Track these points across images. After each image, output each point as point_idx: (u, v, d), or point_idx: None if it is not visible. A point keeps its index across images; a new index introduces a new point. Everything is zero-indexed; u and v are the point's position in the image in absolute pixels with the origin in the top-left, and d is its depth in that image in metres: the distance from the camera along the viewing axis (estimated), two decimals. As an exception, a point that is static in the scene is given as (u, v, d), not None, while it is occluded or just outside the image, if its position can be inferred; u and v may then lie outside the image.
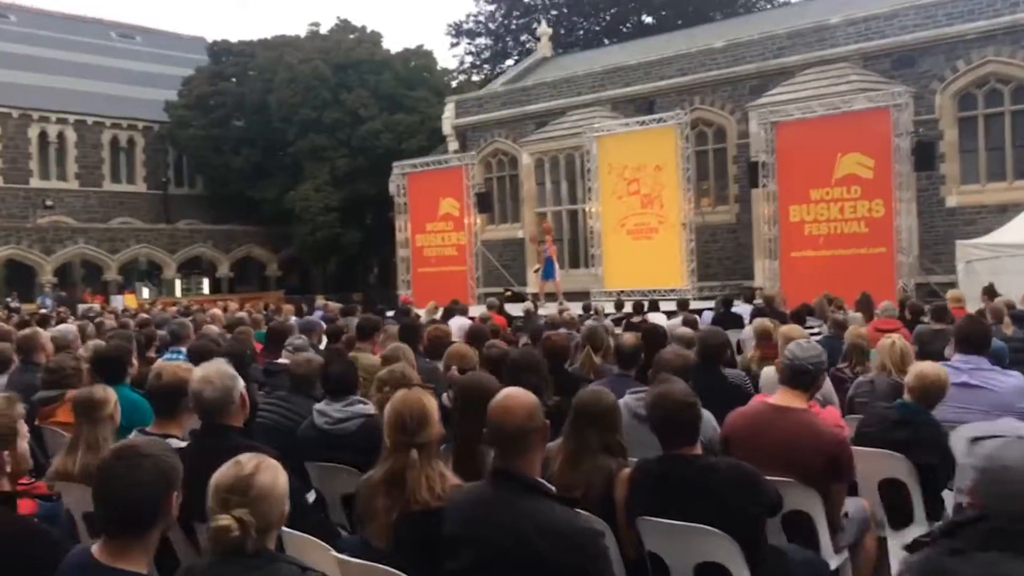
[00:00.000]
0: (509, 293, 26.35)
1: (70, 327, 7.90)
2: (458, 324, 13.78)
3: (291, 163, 36.11)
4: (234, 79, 39.40)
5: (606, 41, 45.62)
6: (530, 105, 28.18)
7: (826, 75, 21.55)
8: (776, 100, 21.65)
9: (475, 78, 47.32)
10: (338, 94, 34.13)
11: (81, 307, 25.94)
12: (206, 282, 42.56)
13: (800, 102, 19.96)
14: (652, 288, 21.58)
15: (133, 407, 4.59)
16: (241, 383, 3.58)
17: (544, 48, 33.82)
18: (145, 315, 14.40)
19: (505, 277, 26.75)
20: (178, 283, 40.08)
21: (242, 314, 13.86)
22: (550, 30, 34.97)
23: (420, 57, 37.19)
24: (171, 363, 4.24)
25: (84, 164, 38.42)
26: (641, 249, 22.35)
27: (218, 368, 3.56)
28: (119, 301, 30.37)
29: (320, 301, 18.87)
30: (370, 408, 4.48)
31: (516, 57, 50.25)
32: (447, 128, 30.25)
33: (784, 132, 19.12)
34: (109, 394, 3.97)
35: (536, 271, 22.60)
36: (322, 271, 41.94)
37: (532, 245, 22.24)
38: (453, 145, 30.05)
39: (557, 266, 21.93)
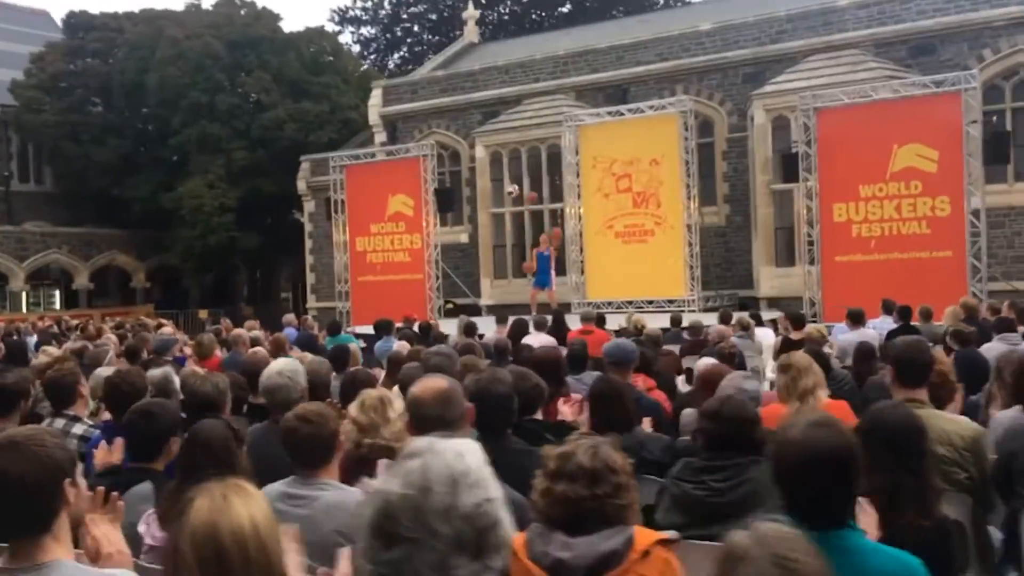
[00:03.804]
0: (451, 305, 23.05)
1: (292, 362, 4.11)
2: (539, 343, 10.72)
3: (171, 155, 31.03)
4: (91, 58, 33.68)
5: (501, 34, 42.91)
6: (476, 92, 24.84)
7: (839, 62, 19.50)
8: (784, 88, 19.44)
9: (363, 68, 43.28)
10: (234, 76, 29.49)
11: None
12: (58, 295, 36.50)
13: (813, 91, 17.60)
14: (648, 299, 18.88)
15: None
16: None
17: (471, 33, 30.49)
18: (121, 332, 10.14)
19: (459, 287, 23.26)
20: (24, 296, 33.93)
21: (241, 331, 9.95)
22: (477, 13, 31.68)
23: (324, 39, 32.94)
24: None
25: (-95, 153, 31.80)
26: (633, 254, 19.60)
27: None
28: (-33, 318, 24.66)
29: (289, 316, 14.86)
30: None
31: (405, 49, 46.73)
32: (374, 117, 26.43)
33: (825, 121, 16.77)
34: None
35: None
36: (199, 283, 36.72)
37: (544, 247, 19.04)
38: (380, 136, 26.29)
39: (554, 273, 18.85)
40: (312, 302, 28.51)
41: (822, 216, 16.74)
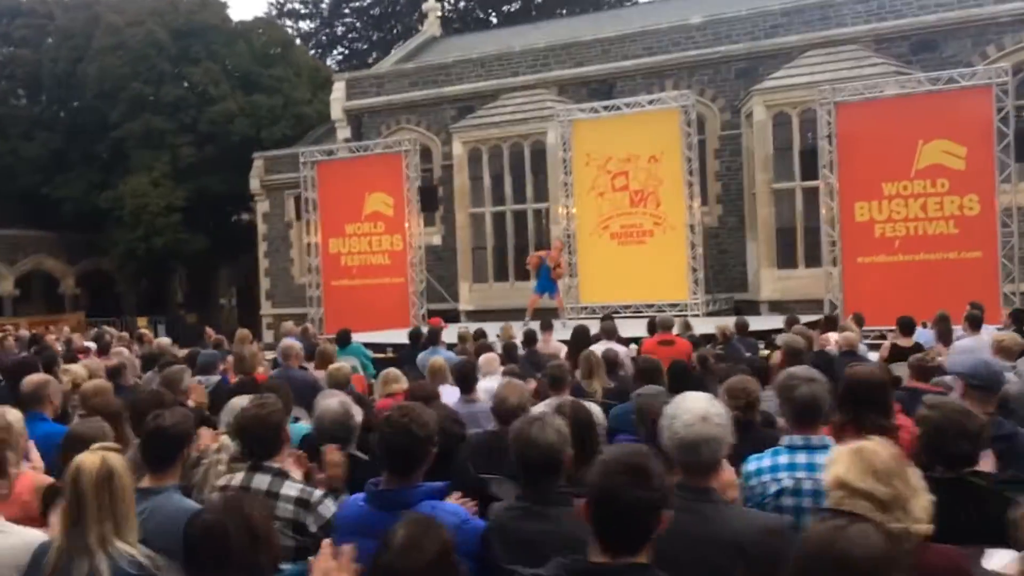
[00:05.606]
0: (425, 311, 21.67)
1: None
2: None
3: (109, 151, 28.77)
4: (17, 46, 31.12)
5: (447, 30, 41.61)
6: (449, 86, 23.52)
7: (840, 58, 18.87)
8: (786, 84, 18.73)
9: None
10: (180, 67, 27.46)
11: None
12: (-22, 302, 33.68)
13: (832, 84, 16.88)
14: (648, 303, 17.88)
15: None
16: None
17: (433, 27, 29.12)
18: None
19: (435, 291, 21.88)
20: (-59, 304, 31.18)
21: (292, 342, 8.53)
22: (438, 6, 30.29)
23: (274, 30, 31.09)
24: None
25: None
26: (630, 256, 18.61)
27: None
28: None
29: (288, 324, 13.36)
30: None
31: (346, 45, 45.03)
32: (336, 112, 24.84)
33: (845, 116, 16.02)
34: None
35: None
36: (135, 289, 34.33)
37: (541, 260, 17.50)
38: (344, 132, 24.72)
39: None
40: (267, 308, 26.75)
41: (842, 215, 15.99)
